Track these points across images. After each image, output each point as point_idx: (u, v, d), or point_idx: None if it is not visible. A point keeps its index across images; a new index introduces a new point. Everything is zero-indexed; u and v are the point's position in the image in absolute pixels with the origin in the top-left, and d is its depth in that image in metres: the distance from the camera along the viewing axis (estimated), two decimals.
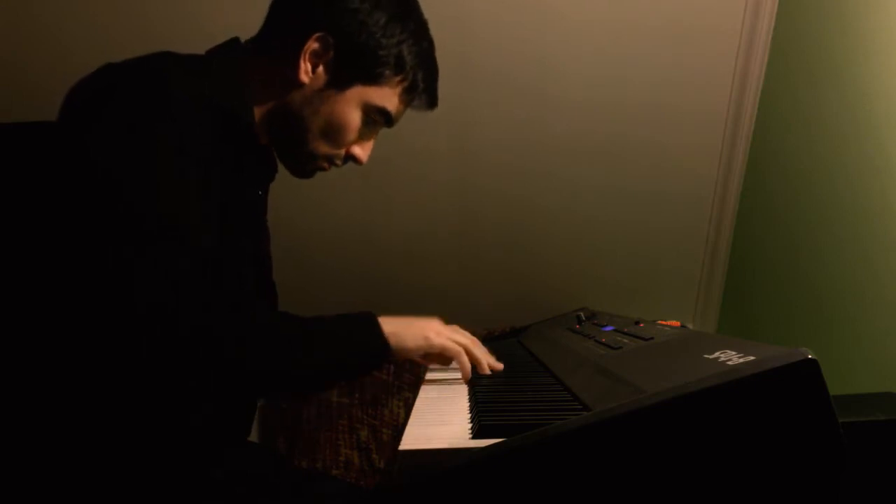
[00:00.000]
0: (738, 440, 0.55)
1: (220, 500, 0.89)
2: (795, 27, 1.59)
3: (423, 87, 0.99)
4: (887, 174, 1.27)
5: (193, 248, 0.78)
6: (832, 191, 1.46)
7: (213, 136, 0.84)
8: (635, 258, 1.97)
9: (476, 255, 1.97)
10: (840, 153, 1.44)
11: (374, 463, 1.84)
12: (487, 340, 1.64)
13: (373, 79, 0.94)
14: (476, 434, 0.72)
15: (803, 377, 0.53)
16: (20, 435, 0.78)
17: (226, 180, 0.86)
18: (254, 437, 1.65)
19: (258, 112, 0.95)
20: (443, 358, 1.01)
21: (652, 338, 0.92)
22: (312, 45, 0.92)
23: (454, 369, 1.06)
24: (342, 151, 0.99)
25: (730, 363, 0.60)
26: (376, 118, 0.98)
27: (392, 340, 0.89)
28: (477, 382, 1.02)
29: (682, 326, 1.11)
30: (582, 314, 1.47)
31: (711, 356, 0.65)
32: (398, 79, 0.96)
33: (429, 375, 1.14)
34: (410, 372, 1.89)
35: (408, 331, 0.92)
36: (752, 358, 0.58)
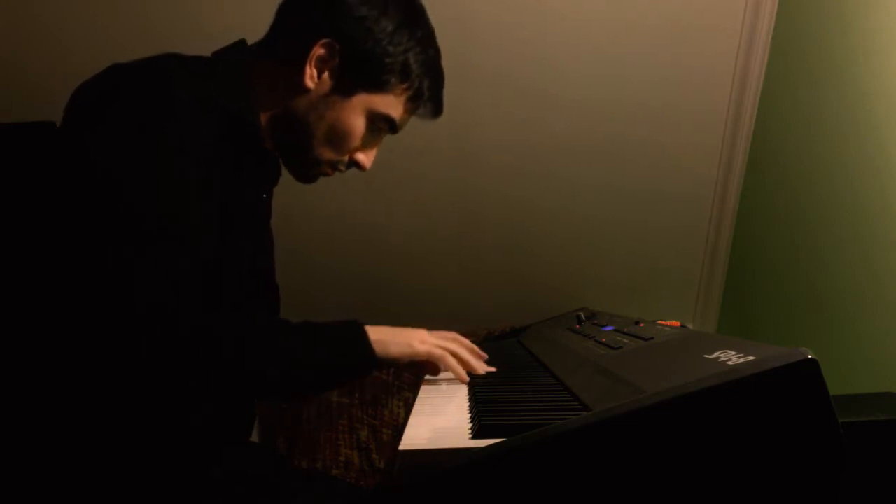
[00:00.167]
0: (739, 440, 0.55)
1: (220, 499, 0.89)
2: (795, 27, 1.59)
3: (428, 96, 0.99)
4: (887, 174, 1.27)
5: (193, 249, 0.78)
6: (832, 191, 1.46)
7: (217, 137, 0.84)
8: (635, 258, 1.97)
9: (476, 255, 1.97)
10: (840, 153, 1.44)
11: (374, 463, 1.84)
12: (487, 340, 1.65)
13: (378, 86, 0.94)
14: (476, 434, 0.72)
15: (803, 377, 0.53)
16: (20, 434, 0.78)
17: (228, 181, 0.86)
18: (254, 437, 1.65)
19: (263, 115, 0.95)
20: (431, 366, 1.01)
21: (652, 338, 0.92)
22: (318, 50, 0.92)
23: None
24: (346, 158, 0.99)
25: (730, 363, 0.60)
26: (381, 125, 0.98)
27: (377, 348, 0.90)
28: (477, 382, 1.02)
29: (682, 326, 1.11)
30: (582, 314, 1.47)
31: (711, 356, 0.65)
32: (403, 86, 0.96)
33: (428, 376, 1.14)
34: (410, 372, 1.89)
35: (393, 339, 0.93)
36: (752, 358, 0.58)
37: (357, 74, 0.93)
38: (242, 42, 0.97)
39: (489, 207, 1.90)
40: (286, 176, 1.04)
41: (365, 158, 1.01)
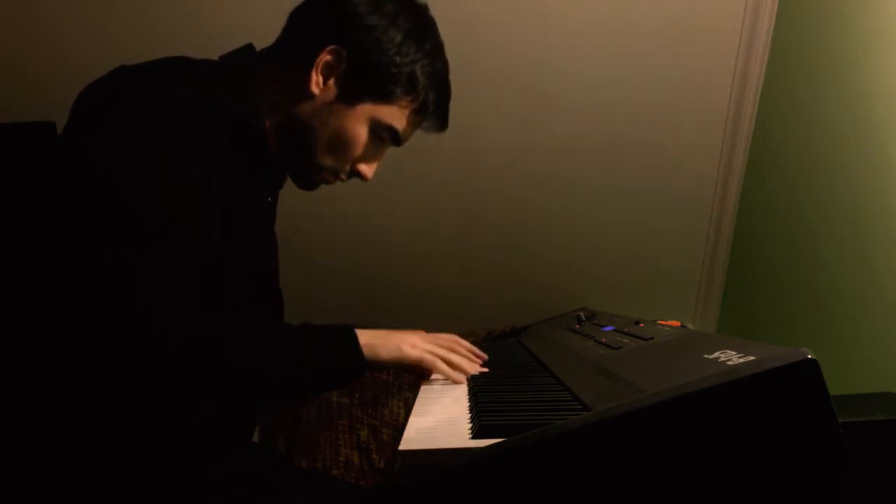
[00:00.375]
0: (739, 440, 0.55)
1: (220, 500, 0.89)
2: (795, 27, 1.59)
3: (433, 109, 0.99)
4: (887, 174, 1.27)
5: (193, 249, 0.78)
6: (832, 191, 1.46)
7: (221, 139, 0.84)
8: (635, 258, 1.97)
9: (477, 255, 1.97)
10: (840, 153, 1.44)
11: (374, 463, 1.84)
12: (487, 340, 1.65)
13: (383, 96, 0.94)
14: (476, 434, 0.72)
15: (803, 377, 0.53)
16: (21, 434, 0.78)
17: (230, 183, 0.86)
18: (254, 437, 1.65)
19: (268, 120, 0.95)
20: (421, 370, 1.01)
21: (652, 338, 0.92)
22: (325, 57, 0.92)
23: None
24: (347, 167, 0.99)
25: (730, 363, 0.60)
26: (384, 136, 0.97)
27: (367, 352, 0.91)
28: (477, 382, 1.02)
29: (682, 326, 1.11)
30: (582, 314, 1.46)
31: (711, 356, 0.65)
32: (409, 98, 0.96)
33: (422, 379, 1.14)
34: (408, 373, 1.88)
35: (383, 343, 0.94)
36: (752, 358, 0.58)
37: (363, 83, 0.93)
38: (250, 46, 0.97)
39: (490, 208, 1.90)
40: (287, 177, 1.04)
41: (367, 169, 1.00)
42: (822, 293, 1.48)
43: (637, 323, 1.14)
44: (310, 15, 0.96)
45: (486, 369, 1.10)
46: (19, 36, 1.64)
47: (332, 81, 0.93)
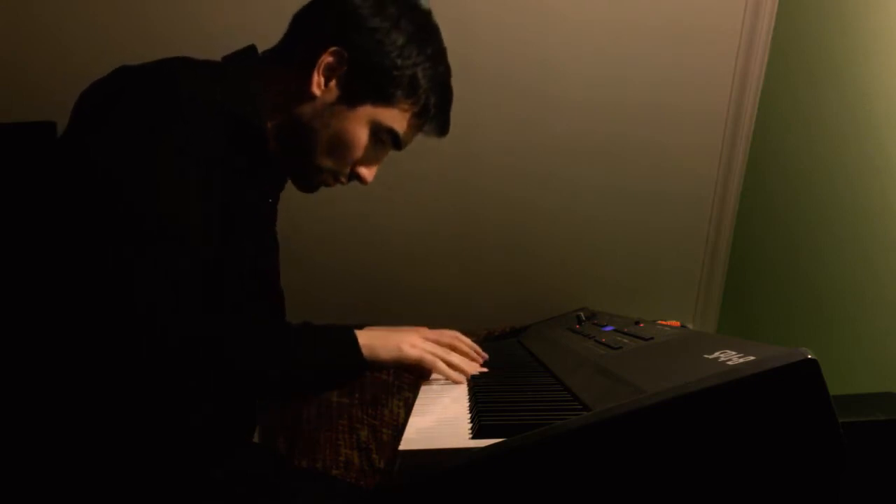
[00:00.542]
0: (739, 440, 0.55)
1: (220, 500, 0.89)
2: (795, 27, 1.59)
3: (434, 113, 0.99)
4: (887, 174, 1.28)
5: (193, 249, 0.78)
6: (832, 191, 1.46)
7: (222, 140, 0.84)
8: (635, 258, 1.97)
9: (478, 256, 1.97)
10: (840, 153, 1.44)
11: (374, 463, 1.84)
12: (487, 340, 1.65)
13: (384, 99, 0.94)
14: (476, 434, 0.72)
15: (803, 377, 0.53)
16: (21, 434, 0.78)
17: (231, 183, 0.86)
18: (254, 437, 1.64)
19: (270, 121, 0.95)
20: (421, 370, 1.01)
21: (652, 338, 0.92)
22: (327, 58, 0.92)
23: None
24: (347, 169, 0.99)
25: (730, 363, 0.60)
26: (384, 139, 0.97)
27: (366, 352, 0.91)
28: (477, 382, 1.02)
29: (682, 326, 1.11)
30: (582, 314, 1.46)
31: (711, 356, 0.65)
32: (410, 101, 0.96)
33: (422, 379, 1.14)
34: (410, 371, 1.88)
35: (383, 343, 0.94)
36: (752, 358, 0.58)
37: (364, 85, 0.93)
38: (252, 48, 0.97)
39: (490, 208, 1.90)
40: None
41: (367, 172, 1.00)
42: (822, 293, 1.48)
43: (637, 323, 1.14)
44: (312, 17, 0.96)
45: (485, 369, 1.10)
46: (19, 36, 1.64)
47: (333, 83, 0.93)
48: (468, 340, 1.18)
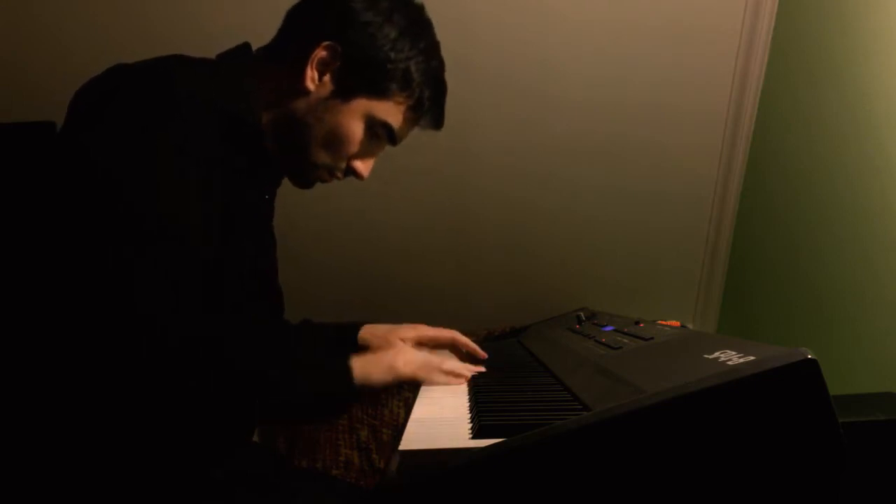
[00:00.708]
0: (739, 440, 0.55)
1: (220, 500, 0.89)
2: (795, 27, 1.59)
3: (428, 106, 0.99)
4: (887, 174, 1.27)
5: (193, 249, 0.78)
6: (832, 191, 1.46)
7: (219, 138, 0.84)
8: (635, 258, 1.97)
9: (477, 255, 1.97)
10: (840, 153, 1.44)
11: (374, 463, 1.84)
12: (487, 340, 1.65)
13: (378, 92, 0.94)
14: (476, 434, 0.72)
15: (803, 377, 0.53)
16: (21, 434, 0.78)
17: (229, 182, 0.86)
18: (254, 436, 1.64)
19: (264, 117, 0.95)
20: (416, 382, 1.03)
21: (652, 338, 0.92)
22: (320, 52, 0.92)
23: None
24: (343, 164, 0.99)
25: (730, 363, 0.60)
26: (379, 133, 0.97)
27: (359, 381, 0.92)
28: (477, 382, 1.02)
29: (682, 326, 1.11)
30: (582, 314, 1.46)
31: (711, 356, 0.65)
32: (404, 94, 0.96)
33: None
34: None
35: (375, 367, 0.95)
36: (752, 358, 0.58)
37: (358, 78, 0.93)
38: (246, 45, 0.97)
39: (490, 208, 1.90)
40: None
41: (362, 167, 1.00)
42: (822, 293, 1.48)
43: (637, 323, 1.14)
44: (305, 12, 0.96)
45: (482, 368, 1.10)
46: (19, 36, 1.64)
47: (327, 77, 0.93)
48: (466, 340, 1.18)
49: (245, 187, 0.93)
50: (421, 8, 0.99)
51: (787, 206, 1.65)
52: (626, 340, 0.98)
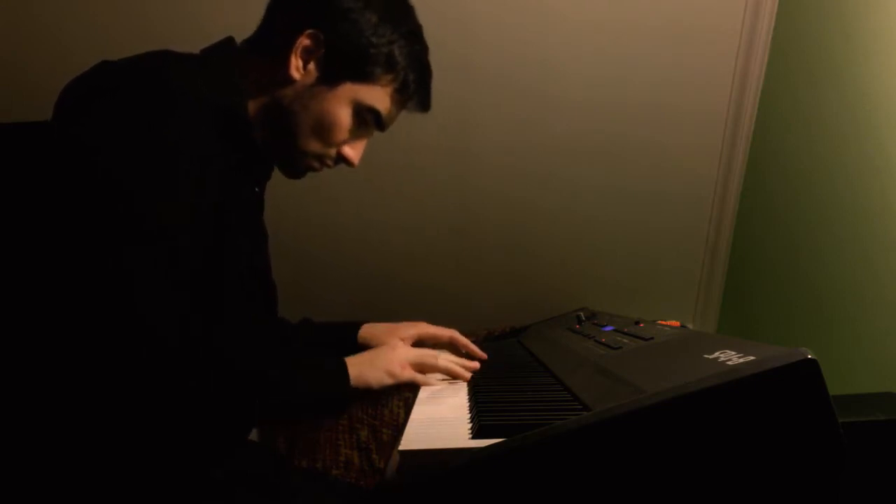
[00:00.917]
0: (738, 440, 0.55)
1: (220, 500, 0.89)
2: (795, 27, 1.59)
3: (414, 89, 1.00)
4: (887, 174, 1.27)
5: (193, 249, 0.78)
6: (832, 191, 1.46)
7: (213, 133, 0.84)
8: (635, 258, 1.97)
9: (477, 255, 1.97)
10: (840, 153, 1.44)
11: (374, 463, 1.84)
12: (487, 340, 1.65)
13: (363, 76, 0.95)
14: (476, 434, 0.72)
15: (803, 377, 0.53)
16: (21, 435, 0.78)
17: (225, 178, 0.86)
18: (254, 437, 1.64)
19: (252, 109, 0.95)
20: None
21: (652, 338, 0.92)
22: (304, 41, 0.93)
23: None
24: (333, 151, 0.99)
25: (730, 363, 0.60)
26: (367, 118, 0.98)
27: (355, 381, 0.95)
28: (477, 382, 1.02)
29: (682, 326, 1.11)
30: (582, 314, 1.46)
31: (711, 356, 0.65)
32: (389, 77, 0.96)
33: None
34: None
35: (370, 367, 0.97)
36: (752, 358, 0.58)
37: (342, 64, 0.94)
38: (231, 39, 0.98)
39: (490, 208, 1.90)
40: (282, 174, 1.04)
41: (352, 152, 1.01)
42: (822, 293, 1.48)
43: (637, 323, 1.14)
44: (287, 3, 0.97)
45: (477, 364, 1.11)
46: (19, 36, 1.64)
47: (311, 65, 0.94)
48: (466, 340, 1.18)
49: (239, 183, 0.94)
50: None
51: (787, 206, 1.65)
52: (626, 340, 0.98)
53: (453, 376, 1.06)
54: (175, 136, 0.78)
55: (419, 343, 1.18)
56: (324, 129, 0.96)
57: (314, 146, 0.98)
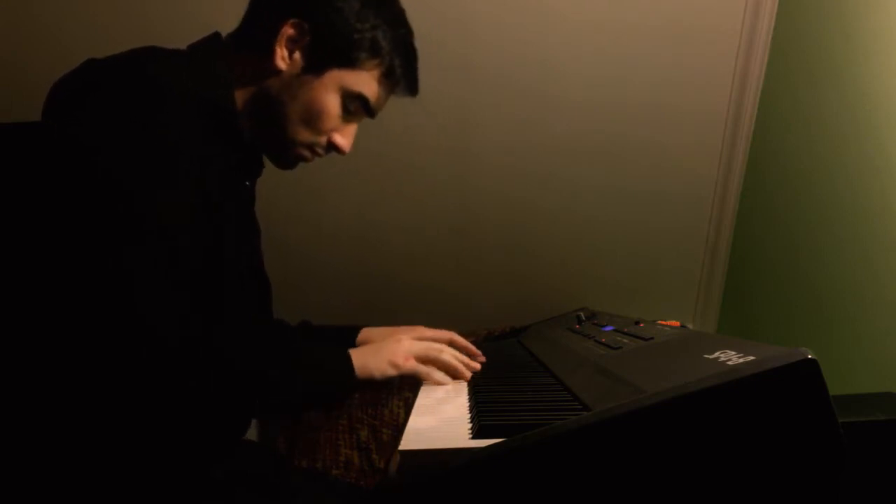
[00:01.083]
0: (738, 440, 0.55)
1: (220, 500, 0.89)
2: (795, 27, 1.59)
3: (401, 73, 1.00)
4: (887, 174, 1.27)
5: (192, 248, 0.78)
6: (832, 191, 1.46)
7: (203, 129, 0.84)
8: (635, 258, 1.97)
9: (477, 255, 1.97)
10: (840, 153, 1.43)
11: (374, 463, 1.84)
12: (487, 340, 1.65)
13: (349, 62, 0.95)
14: (476, 434, 0.72)
15: (803, 377, 0.53)
16: (20, 435, 0.78)
17: (218, 174, 0.87)
18: (254, 437, 1.64)
19: (240, 101, 0.95)
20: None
21: (652, 338, 0.92)
22: (288, 31, 0.93)
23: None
24: (323, 139, 1.00)
25: (730, 363, 0.60)
26: (355, 104, 0.98)
27: (359, 372, 0.96)
28: (477, 382, 1.02)
29: (682, 326, 1.11)
30: (582, 314, 1.46)
31: (711, 356, 0.65)
32: (375, 62, 0.97)
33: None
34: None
35: (374, 360, 0.98)
36: (752, 358, 0.58)
37: (327, 52, 0.94)
38: (216, 34, 0.98)
39: (490, 208, 1.90)
40: (282, 172, 1.04)
41: (342, 140, 1.01)
42: (822, 293, 1.48)
43: (637, 323, 1.14)
44: None
45: (478, 366, 1.11)
46: (19, 36, 1.64)
47: (297, 54, 0.94)
48: (465, 342, 1.18)
49: (233, 180, 0.94)
50: None
51: (787, 206, 1.65)
52: (626, 340, 0.98)
53: (454, 373, 1.06)
54: (171, 134, 0.78)
55: None
56: (312, 117, 0.96)
57: (304, 135, 0.98)
